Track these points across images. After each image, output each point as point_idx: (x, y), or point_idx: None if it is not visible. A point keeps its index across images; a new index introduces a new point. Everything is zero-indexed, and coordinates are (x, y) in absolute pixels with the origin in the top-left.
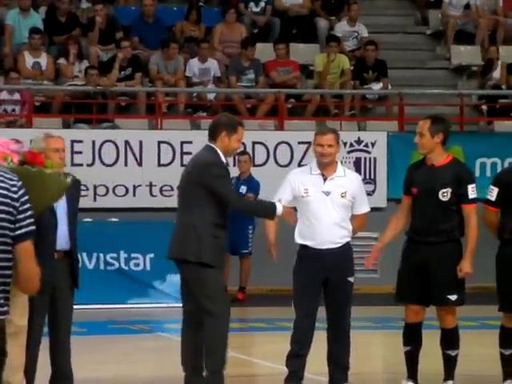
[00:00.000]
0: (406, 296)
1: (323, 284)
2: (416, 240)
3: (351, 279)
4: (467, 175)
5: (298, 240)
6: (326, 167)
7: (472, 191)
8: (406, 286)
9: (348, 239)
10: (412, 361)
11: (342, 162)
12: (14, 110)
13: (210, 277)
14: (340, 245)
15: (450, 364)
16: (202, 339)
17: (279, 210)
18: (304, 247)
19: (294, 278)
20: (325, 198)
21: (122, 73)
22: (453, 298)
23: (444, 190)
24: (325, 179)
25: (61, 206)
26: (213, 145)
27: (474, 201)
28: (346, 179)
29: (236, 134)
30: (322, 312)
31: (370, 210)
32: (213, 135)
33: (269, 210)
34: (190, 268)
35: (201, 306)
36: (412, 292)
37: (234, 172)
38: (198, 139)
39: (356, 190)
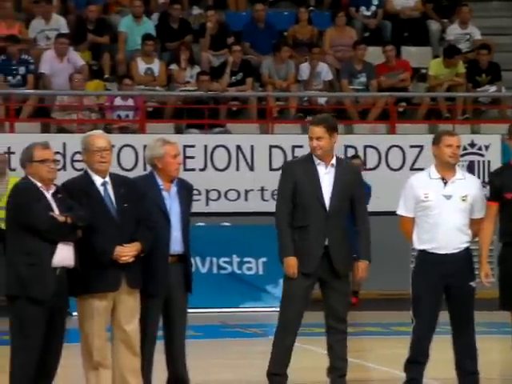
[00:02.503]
0: None
1: (444, 290)
2: None
3: (473, 284)
4: None
5: (417, 245)
6: (446, 170)
7: None
8: (511, 291)
9: (468, 244)
10: None
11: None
12: (127, 116)
13: None
14: (460, 250)
15: None
16: None
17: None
18: (423, 252)
19: (414, 283)
20: (445, 202)
21: (233, 78)
22: None
23: None
24: (445, 183)
25: (174, 211)
26: None
27: None
28: (466, 182)
29: None
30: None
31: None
32: None
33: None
34: None
35: None
36: None
37: None
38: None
39: (476, 194)
